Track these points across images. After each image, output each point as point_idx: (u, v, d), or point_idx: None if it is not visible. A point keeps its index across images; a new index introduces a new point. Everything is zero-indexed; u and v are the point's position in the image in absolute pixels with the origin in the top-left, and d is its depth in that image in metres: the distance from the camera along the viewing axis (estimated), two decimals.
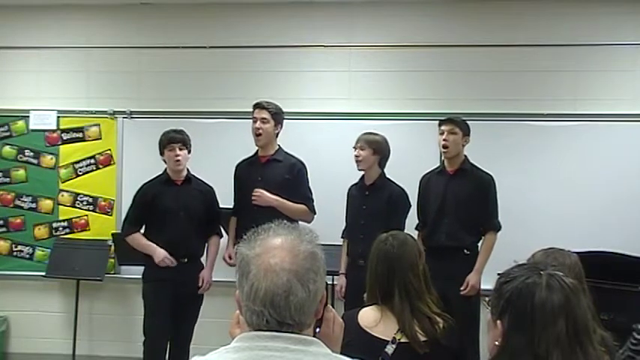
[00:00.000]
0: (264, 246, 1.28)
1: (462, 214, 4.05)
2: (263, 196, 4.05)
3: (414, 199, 4.26)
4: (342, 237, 4.24)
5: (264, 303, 1.23)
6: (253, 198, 4.05)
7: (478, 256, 4.07)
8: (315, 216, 4.19)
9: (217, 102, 5.11)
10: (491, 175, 4.15)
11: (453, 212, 4.07)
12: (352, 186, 4.27)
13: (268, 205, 4.02)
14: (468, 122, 4.17)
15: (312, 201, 4.20)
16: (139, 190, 4.19)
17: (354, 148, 4.13)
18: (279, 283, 1.24)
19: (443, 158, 4.21)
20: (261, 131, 4.11)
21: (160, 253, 4.02)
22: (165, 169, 4.18)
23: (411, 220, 4.23)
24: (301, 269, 1.25)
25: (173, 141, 4.08)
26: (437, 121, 4.19)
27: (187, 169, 4.21)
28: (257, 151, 4.26)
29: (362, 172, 4.18)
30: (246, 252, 1.29)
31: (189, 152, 4.15)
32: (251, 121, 4.20)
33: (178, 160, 4.08)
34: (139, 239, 4.12)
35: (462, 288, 3.96)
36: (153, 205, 4.10)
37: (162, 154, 4.13)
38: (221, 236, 4.29)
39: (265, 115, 4.11)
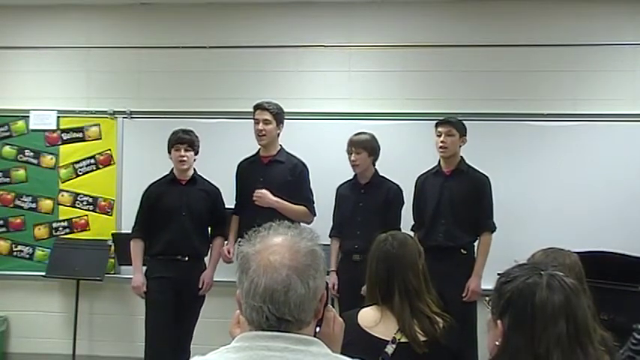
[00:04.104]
0: (265, 243, 1.29)
1: (459, 215, 4.08)
2: (264, 197, 4.06)
3: (412, 198, 4.29)
4: (330, 236, 4.26)
5: (264, 299, 1.24)
6: (254, 198, 4.06)
7: (474, 256, 4.11)
8: (315, 217, 4.21)
9: (217, 102, 5.11)
10: (486, 176, 4.17)
11: (449, 212, 4.09)
12: (341, 185, 4.33)
13: (269, 206, 4.03)
14: (464, 122, 4.19)
15: (313, 202, 4.22)
16: (145, 190, 4.23)
17: (348, 152, 4.17)
18: (279, 278, 1.24)
19: (439, 159, 4.23)
20: (264, 132, 4.12)
21: (136, 280, 4.13)
22: (173, 169, 4.21)
23: (407, 220, 4.25)
24: (301, 265, 1.26)
25: (180, 141, 4.11)
26: (435, 122, 4.20)
27: (194, 170, 4.22)
28: (259, 150, 4.27)
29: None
30: (246, 249, 1.30)
31: (196, 153, 4.18)
32: (251, 121, 4.20)
33: (182, 161, 4.10)
34: (134, 250, 4.17)
35: (463, 295, 3.98)
36: (156, 205, 4.14)
37: (169, 152, 4.16)
38: (225, 238, 4.29)
39: (267, 116, 4.12)
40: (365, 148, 4.14)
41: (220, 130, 5.00)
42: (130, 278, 4.22)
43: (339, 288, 4.13)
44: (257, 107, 4.17)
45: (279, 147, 4.25)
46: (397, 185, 4.22)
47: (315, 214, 4.21)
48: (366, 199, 4.18)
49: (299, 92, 5.07)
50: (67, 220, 5.22)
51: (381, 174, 4.27)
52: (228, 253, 4.18)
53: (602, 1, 4.91)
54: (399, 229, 3.86)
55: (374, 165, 4.23)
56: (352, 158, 4.15)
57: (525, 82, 4.94)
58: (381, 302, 2.35)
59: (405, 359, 2.24)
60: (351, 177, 4.31)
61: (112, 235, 5.04)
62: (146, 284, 4.11)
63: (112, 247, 5.02)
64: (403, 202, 4.23)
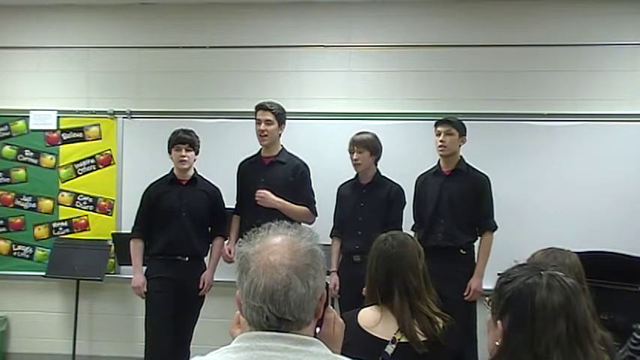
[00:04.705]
0: (264, 243, 1.29)
1: (458, 215, 4.08)
2: (267, 197, 4.06)
3: (412, 198, 4.29)
4: (330, 236, 4.26)
5: (264, 299, 1.24)
6: (257, 199, 4.06)
7: (475, 256, 4.11)
8: (316, 217, 4.21)
9: (217, 102, 5.11)
10: (486, 176, 4.17)
11: (448, 212, 4.09)
12: (342, 185, 4.32)
13: (271, 207, 4.03)
14: (464, 122, 4.19)
15: (314, 203, 4.22)
16: (145, 190, 4.23)
17: (350, 152, 4.16)
18: (279, 278, 1.24)
19: (439, 158, 4.23)
20: (266, 133, 4.12)
21: (136, 279, 4.14)
22: (173, 169, 4.21)
23: (407, 220, 4.25)
24: (301, 265, 1.26)
25: (180, 141, 4.12)
26: (435, 122, 4.20)
27: (194, 170, 4.22)
28: (260, 150, 4.27)
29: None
30: (245, 250, 1.30)
31: (196, 153, 4.19)
32: (252, 121, 4.21)
33: (183, 161, 4.11)
34: (134, 250, 4.17)
35: (465, 294, 3.98)
36: (156, 205, 4.14)
37: (170, 152, 4.16)
38: (225, 238, 4.30)
39: (269, 116, 4.12)
40: (367, 147, 4.13)
41: (220, 130, 5.00)
42: (130, 278, 4.22)
43: (340, 288, 4.12)
44: (259, 107, 4.17)
45: (281, 147, 4.25)
46: (399, 185, 4.21)
47: (316, 215, 4.21)
48: (368, 198, 4.17)
49: (299, 92, 5.07)
50: (67, 220, 5.22)
51: (382, 174, 4.25)
52: (230, 252, 4.18)
53: (602, 1, 4.91)
54: (401, 230, 3.86)
55: (376, 165, 4.22)
56: (354, 157, 4.15)
57: (525, 82, 4.94)
58: (381, 302, 2.35)
59: (405, 359, 2.24)
60: (352, 177, 4.30)
61: (112, 235, 5.04)
62: (146, 284, 4.12)
63: (112, 247, 5.02)
64: (405, 202, 4.23)
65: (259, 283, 1.24)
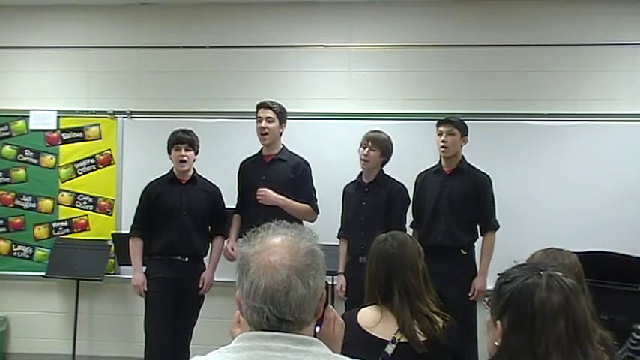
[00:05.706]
0: (264, 244, 1.29)
1: (458, 214, 4.07)
2: (268, 195, 4.05)
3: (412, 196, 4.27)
4: (338, 237, 4.24)
5: (264, 299, 1.24)
6: (258, 197, 4.05)
7: (475, 256, 4.10)
8: (318, 215, 4.20)
9: (217, 102, 5.11)
10: (487, 175, 4.16)
11: (449, 212, 4.07)
12: (348, 185, 4.29)
13: (273, 205, 4.02)
14: (466, 122, 4.18)
15: (316, 200, 4.21)
16: (144, 188, 4.22)
17: (362, 147, 4.12)
18: (279, 279, 1.24)
19: (440, 158, 4.22)
20: (267, 130, 4.11)
21: (136, 278, 4.13)
22: (172, 168, 4.21)
23: (410, 220, 4.24)
24: (301, 265, 1.26)
25: (180, 141, 4.12)
26: (437, 121, 4.20)
27: (194, 170, 4.23)
28: (261, 149, 4.27)
29: (360, 170, 4.21)
30: (245, 250, 1.30)
31: (196, 153, 4.18)
32: (252, 121, 4.21)
33: (183, 161, 4.11)
34: (133, 249, 4.17)
35: (469, 294, 3.98)
36: (156, 204, 4.14)
37: (169, 153, 4.16)
38: (225, 237, 4.29)
39: (270, 114, 4.12)
40: (380, 147, 4.09)
41: (220, 130, 5.00)
42: (130, 278, 4.22)
43: (347, 290, 4.10)
44: (260, 105, 4.17)
45: (282, 146, 4.25)
46: (402, 184, 4.17)
47: (318, 212, 4.20)
48: (369, 198, 4.14)
49: (299, 92, 5.07)
50: (67, 220, 5.22)
51: (386, 174, 4.21)
52: (232, 249, 4.15)
53: (602, 1, 4.92)
54: (404, 229, 3.85)
55: (382, 167, 4.18)
56: (364, 153, 4.09)
57: (525, 82, 4.94)
58: (381, 302, 2.35)
59: (405, 359, 2.24)
60: (355, 177, 4.26)
61: (112, 235, 5.04)
62: (146, 283, 4.11)
63: (112, 247, 5.02)
64: (409, 202, 4.19)
65: (260, 284, 1.24)
